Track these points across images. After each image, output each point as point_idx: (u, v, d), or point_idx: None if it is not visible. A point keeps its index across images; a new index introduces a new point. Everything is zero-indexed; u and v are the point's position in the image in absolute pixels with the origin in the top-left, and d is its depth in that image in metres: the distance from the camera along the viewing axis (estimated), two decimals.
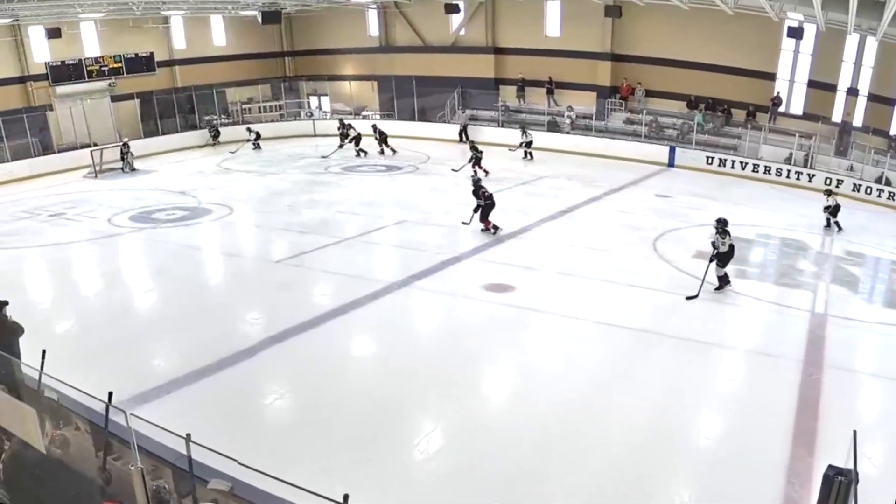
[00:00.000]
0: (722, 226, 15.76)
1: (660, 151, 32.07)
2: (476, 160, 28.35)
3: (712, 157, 30.52)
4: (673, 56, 33.61)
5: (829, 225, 22.14)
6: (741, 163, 29.90)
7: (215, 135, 38.30)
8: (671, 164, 31.55)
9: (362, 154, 33.57)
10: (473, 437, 10.11)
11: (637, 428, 10.31)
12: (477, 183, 20.55)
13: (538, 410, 10.86)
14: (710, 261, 15.80)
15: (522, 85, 38.84)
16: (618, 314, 14.50)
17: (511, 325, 14.26)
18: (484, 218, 20.28)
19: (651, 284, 16.31)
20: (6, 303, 10.31)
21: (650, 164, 31.42)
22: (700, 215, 22.67)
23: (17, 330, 10.17)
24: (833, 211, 22.07)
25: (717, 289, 15.96)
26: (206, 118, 39.41)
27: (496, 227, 20.29)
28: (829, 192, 22.59)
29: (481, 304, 15.31)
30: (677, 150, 31.70)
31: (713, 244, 15.82)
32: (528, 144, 33.16)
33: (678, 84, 33.81)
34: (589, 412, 10.87)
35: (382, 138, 34.59)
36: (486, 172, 27.87)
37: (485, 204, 20.18)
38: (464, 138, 36.36)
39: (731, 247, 15.88)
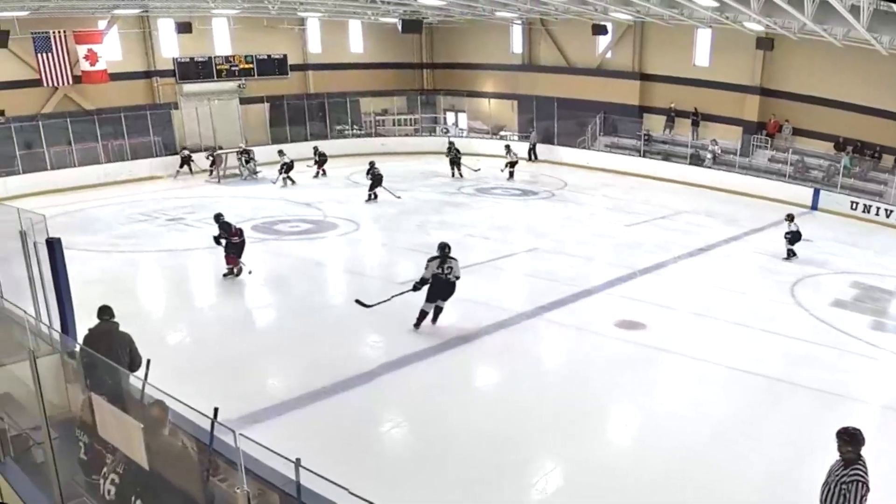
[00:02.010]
0: (443, 251, 15.35)
1: (804, 193, 32.18)
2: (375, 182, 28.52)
3: (857, 203, 30.51)
4: (824, 94, 33.59)
5: (789, 257, 22.44)
6: (886, 210, 29.81)
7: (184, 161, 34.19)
8: (814, 206, 31.64)
9: (289, 182, 32.21)
10: (592, 479, 10.31)
11: (759, 482, 10.26)
12: (219, 218, 18.81)
13: (660, 455, 10.97)
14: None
15: (673, 115, 38.96)
16: (749, 360, 14.55)
17: (639, 365, 14.51)
18: (234, 257, 18.82)
19: (786, 331, 16.46)
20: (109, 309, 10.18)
21: (793, 205, 31.15)
22: (841, 262, 22.89)
23: (125, 339, 10.04)
24: (792, 238, 22.34)
25: (415, 325, 15.56)
26: (184, 148, 35.07)
27: (240, 270, 18.93)
28: (791, 218, 22.70)
29: (610, 340, 15.62)
30: (821, 192, 31.71)
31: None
32: (513, 164, 34.53)
33: (827, 124, 33.83)
34: (712, 461, 10.91)
35: (322, 161, 34.34)
36: (375, 196, 28.50)
37: (240, 241, 18.81)
38: (533, 157, 36.28)
39: (452, 282, 15.41)
